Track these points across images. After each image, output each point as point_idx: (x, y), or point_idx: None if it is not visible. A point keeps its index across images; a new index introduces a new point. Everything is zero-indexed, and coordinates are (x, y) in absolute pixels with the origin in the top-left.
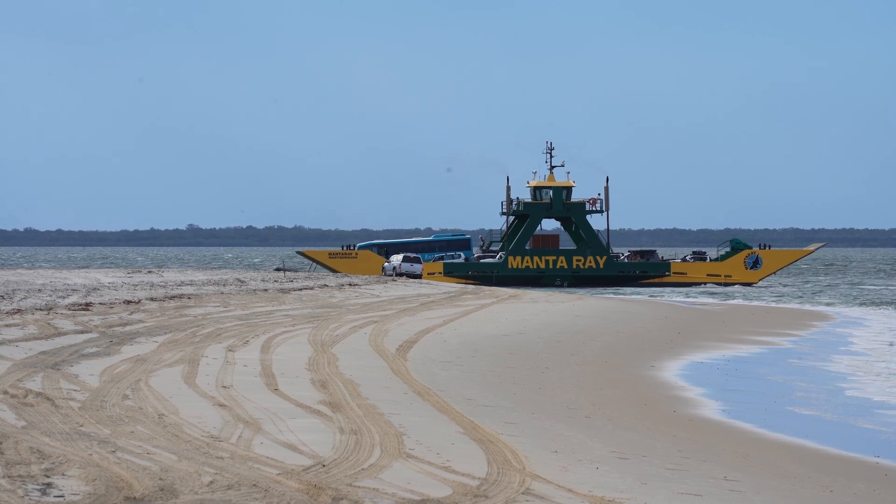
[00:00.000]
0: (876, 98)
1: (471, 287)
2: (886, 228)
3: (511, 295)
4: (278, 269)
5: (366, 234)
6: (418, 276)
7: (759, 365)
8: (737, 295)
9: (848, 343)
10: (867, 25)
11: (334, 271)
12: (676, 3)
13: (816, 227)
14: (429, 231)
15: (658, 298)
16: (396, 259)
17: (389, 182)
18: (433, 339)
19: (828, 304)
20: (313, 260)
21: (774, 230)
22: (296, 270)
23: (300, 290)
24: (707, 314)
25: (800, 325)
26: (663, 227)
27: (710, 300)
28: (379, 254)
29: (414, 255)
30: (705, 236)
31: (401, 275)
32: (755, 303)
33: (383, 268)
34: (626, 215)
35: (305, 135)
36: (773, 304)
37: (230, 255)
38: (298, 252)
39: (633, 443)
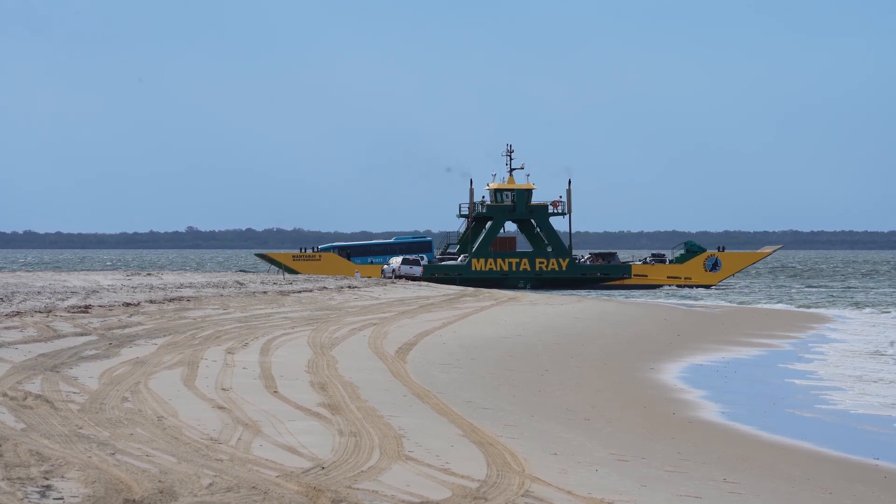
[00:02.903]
0: (876, 100)
1: (470, 289)
2: (885, 231)
3: (510, 297)
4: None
5: (365, 236)
6: (417, 279)
7: (758, 367)
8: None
9: (847, 345)
10: (868, 27)
11: (297, 274)
12: (675, 4)
13: (815, 230)
14: (428, 233)
15: (657, 301)
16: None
17: (389, 184)
18: (432, 342)
19: (826, 307)
20: (275, 263)
21: (773, 232)
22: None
23: (299, 292)
24: (706, 316)
25: (798, 328)
26: (662, 230)
27: (709, 302)
28: (341, 255)
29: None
30: (704, 238)
31: (400, 277)
32: (754, 305)
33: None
34: (624, 217)
35: (305, 137)
36: (773, 307)
37: (197, 261)
38: (258, 255)
39: (633, 445)
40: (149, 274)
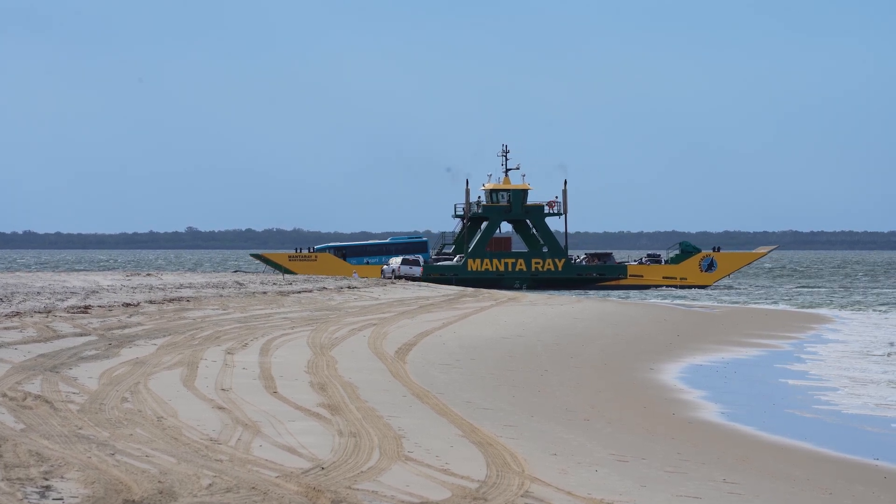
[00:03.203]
0: (876, 100)
1: (469, 290)
2: (885, 231)
3: (510, 298)
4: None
5: (364, 236)
6: (417, 279)
7: (757, 367)
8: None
9: (846, 346)
10: (868, 27)
11: (294, 274)
12: (675, 4)
13: (815, 230)
14: (427, 233)
15: (656, 301)
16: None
17: (388, 184)
18: (432, 342)
19: (825, 307)
20: (271, 263)
21: (773, 233)
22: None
23: (299, 293)
24: (705, 317)
25: (798, 328)
26: (661, 230)
27: (710, 303)
28: (336, 255)
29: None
30: (703, 238)
31: (399, 277)
32: (753, 305)
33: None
34: (624, 218)
35: (304, 137)
36: (772, 307)
37: (195, 262)
38: (254, 255)
39: (633, 445)
40: (148, 274)
